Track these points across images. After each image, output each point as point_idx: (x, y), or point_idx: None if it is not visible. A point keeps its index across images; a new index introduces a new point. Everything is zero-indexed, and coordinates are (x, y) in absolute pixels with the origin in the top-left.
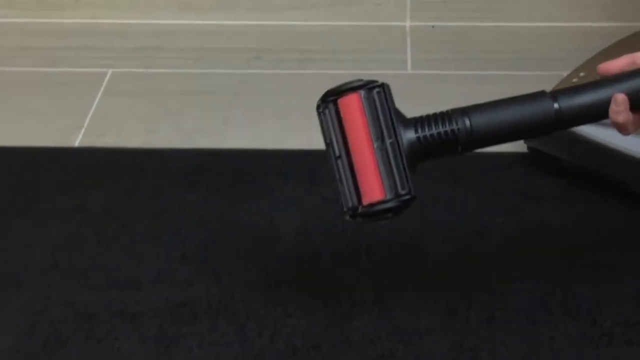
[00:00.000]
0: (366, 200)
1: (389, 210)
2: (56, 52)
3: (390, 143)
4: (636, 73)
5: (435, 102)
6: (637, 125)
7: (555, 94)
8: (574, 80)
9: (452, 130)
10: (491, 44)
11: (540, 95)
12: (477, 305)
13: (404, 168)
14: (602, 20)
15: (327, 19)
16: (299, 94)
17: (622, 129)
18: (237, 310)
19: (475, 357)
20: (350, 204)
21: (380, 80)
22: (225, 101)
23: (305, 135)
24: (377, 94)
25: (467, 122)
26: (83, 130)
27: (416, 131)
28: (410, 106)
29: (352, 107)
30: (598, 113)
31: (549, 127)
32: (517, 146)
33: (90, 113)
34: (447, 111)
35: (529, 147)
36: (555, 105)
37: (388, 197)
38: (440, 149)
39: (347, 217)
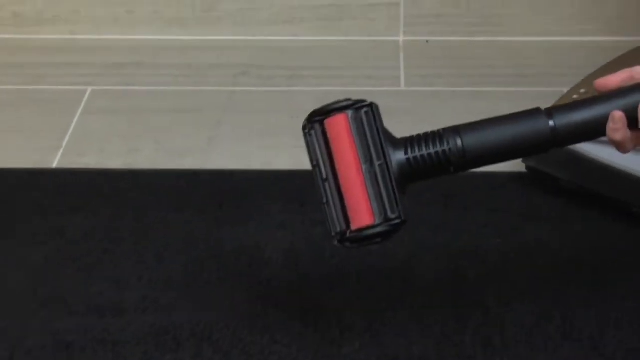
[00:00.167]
0: (355, 225)
1: (378, 235)
2: (33, 69)
3: (379, 165)
4: (634, 89)
5: (430, 120)
6: (635, 142)
7: (550, 111)
8: (575, 97)
9: (444, 151)
10: (488, 60)
11: (535, 112)
12: (472, 330)
13: (394, 191)
14: (603, 35)
15: (317, 33)
16: (288, 112)
17: (620, 147)
18: (222, 338)
19: None
20: (338, 229)
21: (373, 97)
22: (211, 119)
23: (294, 155)
24: (365, 114)
25: (459, 141)
26: (61, 150)
27: (406, 152)
28: (403, 124)
29: (339, 128)
30: (595, 131)
31: (545, 146)
32: (514, 165)
33: (69, 132)
34: (438, 131)
35: (527, 166)
36: (551, 123)
37: (377, 221)
38: (431, 171)
39: (335, 242)
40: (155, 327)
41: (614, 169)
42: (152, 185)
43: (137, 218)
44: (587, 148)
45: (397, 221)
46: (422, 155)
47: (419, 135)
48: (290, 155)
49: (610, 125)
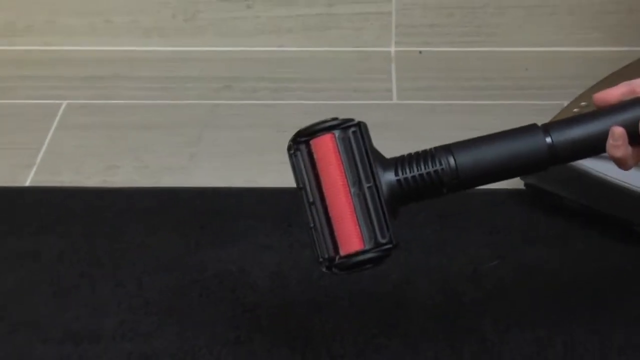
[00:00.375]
0: (343, 250)
1: (368, 261)
2: (4, 82)
3: (368, 187)
4: (635, 103)
5: (423, 135)
6: (637, 159)
7: (547, 128)
8: (575, 110)
9: (436, 171)
10: (484, 71)
11: (531, 129)
12: (469, 357)
13: (384, 215)
14: (605, 45)
15: (303, 44)
16: (273, 127)
17: (621, 164)
18: None
19: None
20: (326, 255)
21: (363, 110)
22: (192, 135)
23: (281, 172)
24: (353, 134)
25: (452, 161)
26: (35, 168)
27: (396, 173)
28: (395, 140)
29: (326, 148)
30: (595, 148)
31: (542, 164)
32: (513, 183)
33: (43, 149)
34: (430, 150)
35: (525, 184)
36: (548, 140)
37: (367, 247)
38: (423, 192)
39: (323, 269)
40: (133, 354)
41: (616, 185)
42: (131, 204)
43: (114, 239)
44: (589, 164)
45: (388, 246)
46: (413, 177)
47: (409, 155)
48: (277, 172)
49: (610, 142)
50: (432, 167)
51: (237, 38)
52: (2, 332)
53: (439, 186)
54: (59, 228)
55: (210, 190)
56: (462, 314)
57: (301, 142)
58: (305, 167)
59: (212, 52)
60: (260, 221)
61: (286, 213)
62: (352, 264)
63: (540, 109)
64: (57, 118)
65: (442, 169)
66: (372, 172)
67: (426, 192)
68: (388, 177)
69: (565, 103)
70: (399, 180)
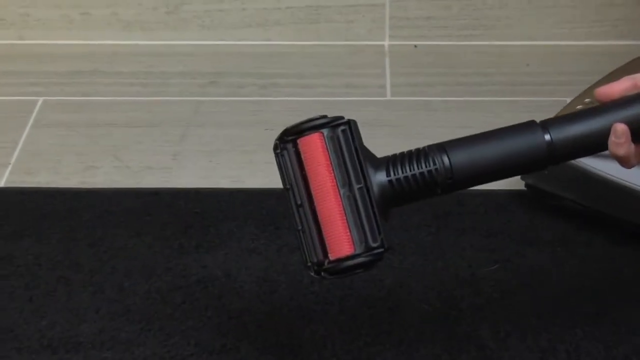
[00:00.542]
0: (333, 255)
1: (359, 266)
2: None
3: (359, 189)
4: (638, 98)
5: (418, 134)
6: None
7: (546, 124)
8: (579, 107)
9: (430, 171)
10: (482, 66)
11: (529, 126)
12: None
13: (375, 217)
14: (611, 39)
15: (292, 38)
16: (261, 125)
17: (623, 162)
18: None
19: None
20: (314, 259)
21: (356, 108)
22: (175, 133)
23: (268, 172)
24: (342, 133)
25: (446, 160)
26: (9, 168)
27: (388, 174)
28: (389, 138)
29: (314, 148)
30: (596, 145)
31: (540, 163)
32: (513, 183)
33: (18, 148)
34: (423, 148)
35: (526, 185)
36: (547, 137)
37: (357, 251)
38: (416, 193)
39: (311, 273)
40: None
41: (619, 185)
42: (111, 206)
43: (93, 243)
44: (591, 163)
45: (379, 250)
46: (405, 177)
47: (402, 154)
48: (264, 172)
49: (612, 139)
50: (426, 166)
51: (223, 31)
52: None
53: (432, 187)
54: (34, 231)
55: (194, 191)
56: (460, 321)
57: (288, 141)
58: (292, 167)
59: (196, 46)
60: (247, 224)
61: (274, 215)
62: (341, 269)
63: (541, 106)
64: (33, 115)
65: (436, 168)
66: (362, 172)
67: (419, 193)
68: (379, 178)
69: (568, 100)
70: (390, 181)
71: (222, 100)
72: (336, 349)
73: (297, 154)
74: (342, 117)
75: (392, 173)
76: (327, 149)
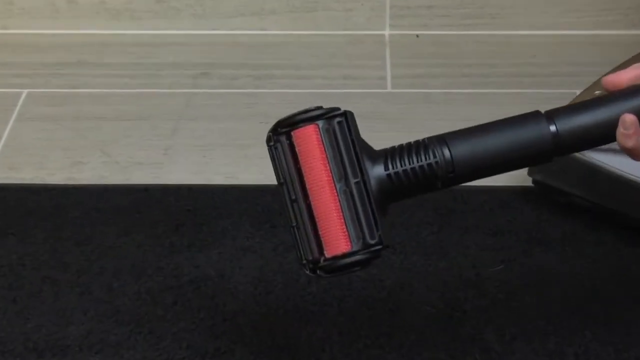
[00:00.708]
0: (329, 252)
1: (356, 263)
2: None
3: (355, 183)
4: None
5: (419, 127)
6: None
7: (551, 115)
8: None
9: (429, 164)
10: (487, 57)
11: (534, 116)
12: None
13: (373, 213)
14: (622, 28)
15: (288, 27)
16: (255, 118)
17: (633, 154)
18: None
19: None
20: (310, 256)
21: (355, 100)
22: (166, 127)
23: (262, 167)
24: (338, 124)
25: (447, 152)
26: None
27: (386, 167)
28: (389, 132)
29: (309, 140)
30: (603, 137)
31: (545, 155)
32: (519, 179)
33: (1, 143)
34: (422, 140)
35: (533, 180)
36: (552, 128)
37: (354, 248)
38: (415, 187)
39: (307, 271)
40: None
41: (630, 181)
42: (99, 203)
43: (80, 242)
44: (600, 158)
45: (377, 247)
46: (404, 170)
47: (400, 147)
48: (259, 167)
49: (620, 130)
50: (426, 159)
51: (216, 20)
52: None
53: (433, 180)
54: (19, 229)
55: (186, 187)
56: (464, 323)
57: (281, 134)
58: (286, 160)
59: (188, 36)
60: (241, 221)
61: (270, 212)
62: (338, 267)
63: (548, 99)
64: (17, 108)
65: (437, 161)
66: (359, 166)
67: (419, 187)
68: (377, 172)
69: (577, 92)
70: (389, 175)
71: (215, 92)
72: (334, 352)
73: (291, 146)
74: (338, 108)
75: (390, 166)
76: (322, 141)
